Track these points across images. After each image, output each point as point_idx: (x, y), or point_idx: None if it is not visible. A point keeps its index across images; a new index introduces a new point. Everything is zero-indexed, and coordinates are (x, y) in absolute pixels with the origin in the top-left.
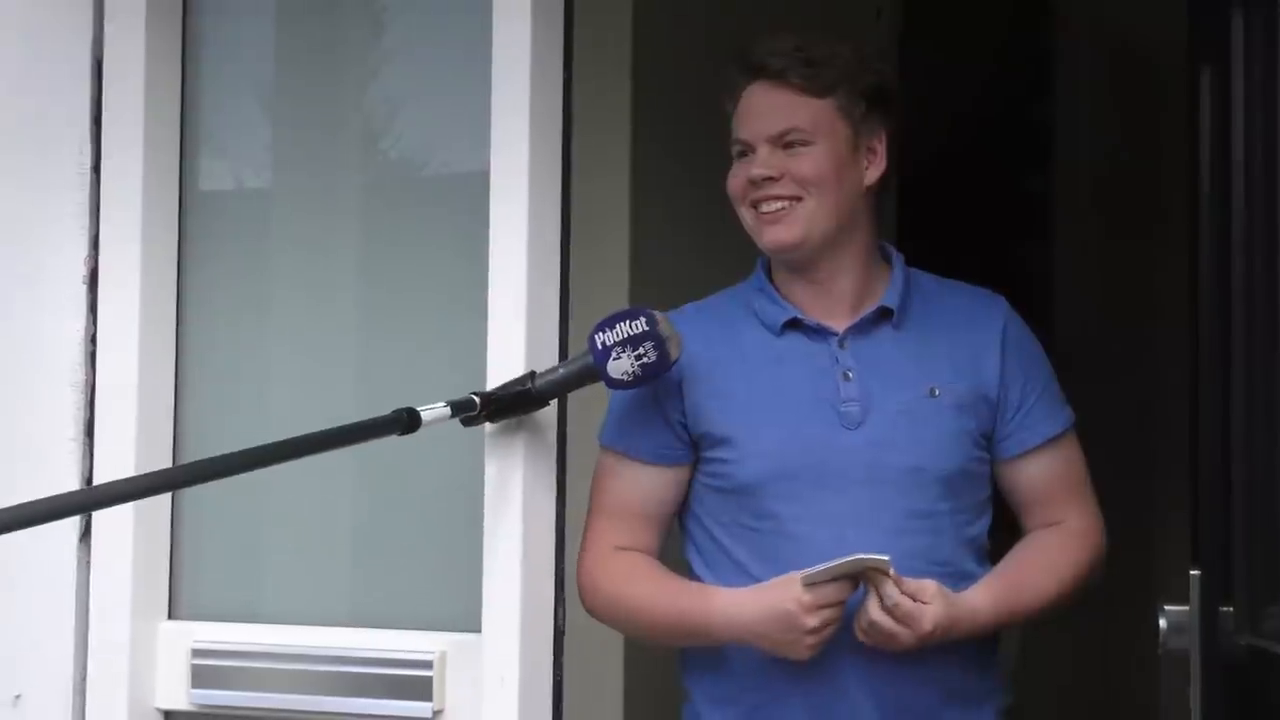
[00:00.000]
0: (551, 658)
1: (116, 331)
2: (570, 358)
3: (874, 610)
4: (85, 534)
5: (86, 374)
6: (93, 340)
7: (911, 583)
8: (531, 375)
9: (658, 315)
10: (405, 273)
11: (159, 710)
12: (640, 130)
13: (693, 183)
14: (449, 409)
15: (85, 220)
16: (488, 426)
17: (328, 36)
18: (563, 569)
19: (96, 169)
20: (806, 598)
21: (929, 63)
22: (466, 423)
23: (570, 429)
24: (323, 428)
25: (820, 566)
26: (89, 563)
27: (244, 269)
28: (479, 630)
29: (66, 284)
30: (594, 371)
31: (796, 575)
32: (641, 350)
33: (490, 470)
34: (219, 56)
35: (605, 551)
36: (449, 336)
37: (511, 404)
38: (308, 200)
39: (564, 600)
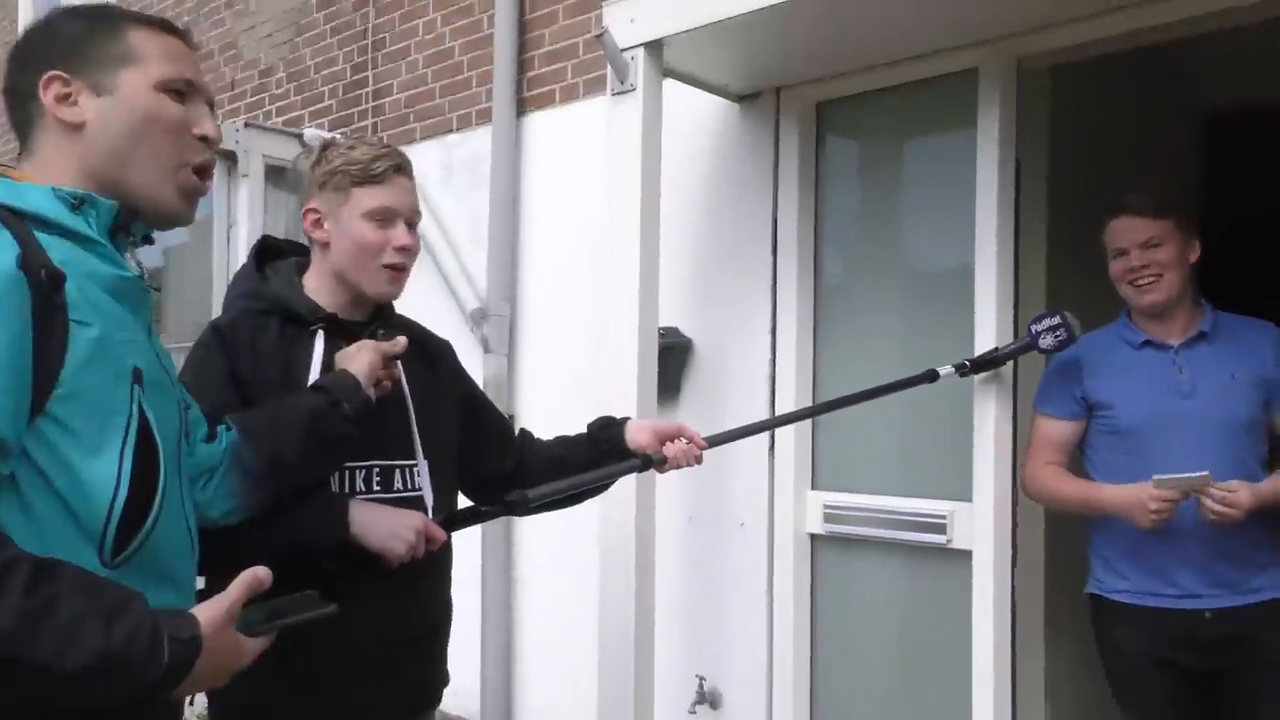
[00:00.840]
0: (1010, 518)
1: (787, 346)
2: (1017, 339)
3: (1213, 505)
4: (771, 446)
5: (769, 370)
6: (772, 359)
7: (1225, 485)
8: (995, 349)
9: (1067, 313)
10: (924, 314)
11: (808, 533)
12: (1053, 216)
13: (1074, 254)
14: (953, 368)
15: (770, 296)
16: (976, 378)
17: (875, 194)
18: (1015, 467)
19: (774, 271)
20: (1154, 492)
21: None
22: (961, 375)
23: (1020, 381)
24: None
25: (1167, 475)
26: (774, 459)
27: (836, 314)
28: (970, 500)
29: (761, 325)
30: (1032, 345)
31: (1153, 478)
32: (1058, 332)
33: (977, 405)
34: (834, 205)
35: (1039, 465)
36: (954, 335)
37: (987, 364)
38: (875, 281)
39: (1016, 486)
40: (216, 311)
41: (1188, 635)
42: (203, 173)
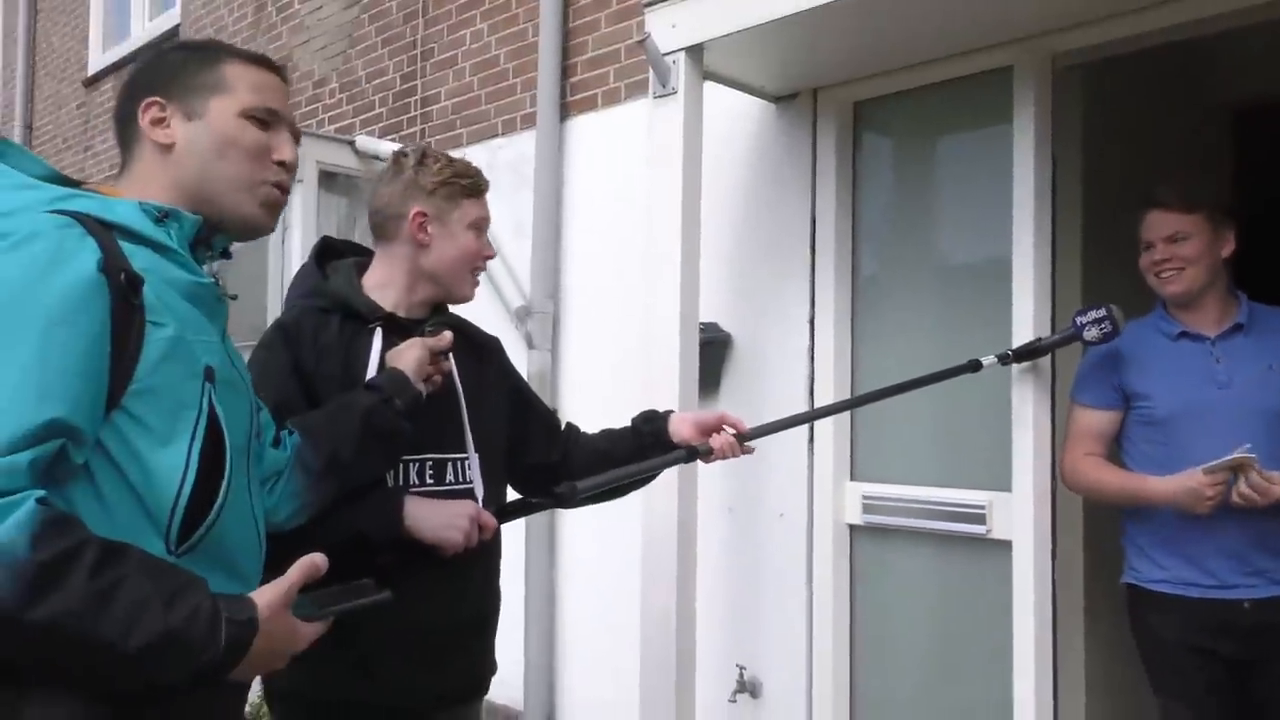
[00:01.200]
0: (1050, 508)
1: (824, 340)
2: (1061, 330)
3: (1243, 486)
4: (811, 438)
5: (808, 364)
6: (810, 352)
7: (1269, 475)
8: (1039, 339)
9: (1114, 308)
10: (961, 308)
11: (847, 524)
12: (1088, 211)
13: (1109, 248)
14: (996, 358)
15: (808, 292)
16: (1015, 367)
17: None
18: (1054, 457)
19: (812, 268)
20: (1205, 479)
21: None
22: (1004, 364)
23: (1058, 371)
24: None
25: (1214, 462)
26: (813, 450)
27: (874, 309)
28: (1010, 490)
29: (799, 320)
30: (1076, 336)
31: (1199, 468)
32: (1104, 325)
33: (1016, 395)
34: (871, 203)
35: (1079, 455)
36: (990, 329)
37: (1030, 354)
38: (912, 276)
39: (1055, 476)
40: (273, 312)
41: (1226, 625)
42: (280, 189)
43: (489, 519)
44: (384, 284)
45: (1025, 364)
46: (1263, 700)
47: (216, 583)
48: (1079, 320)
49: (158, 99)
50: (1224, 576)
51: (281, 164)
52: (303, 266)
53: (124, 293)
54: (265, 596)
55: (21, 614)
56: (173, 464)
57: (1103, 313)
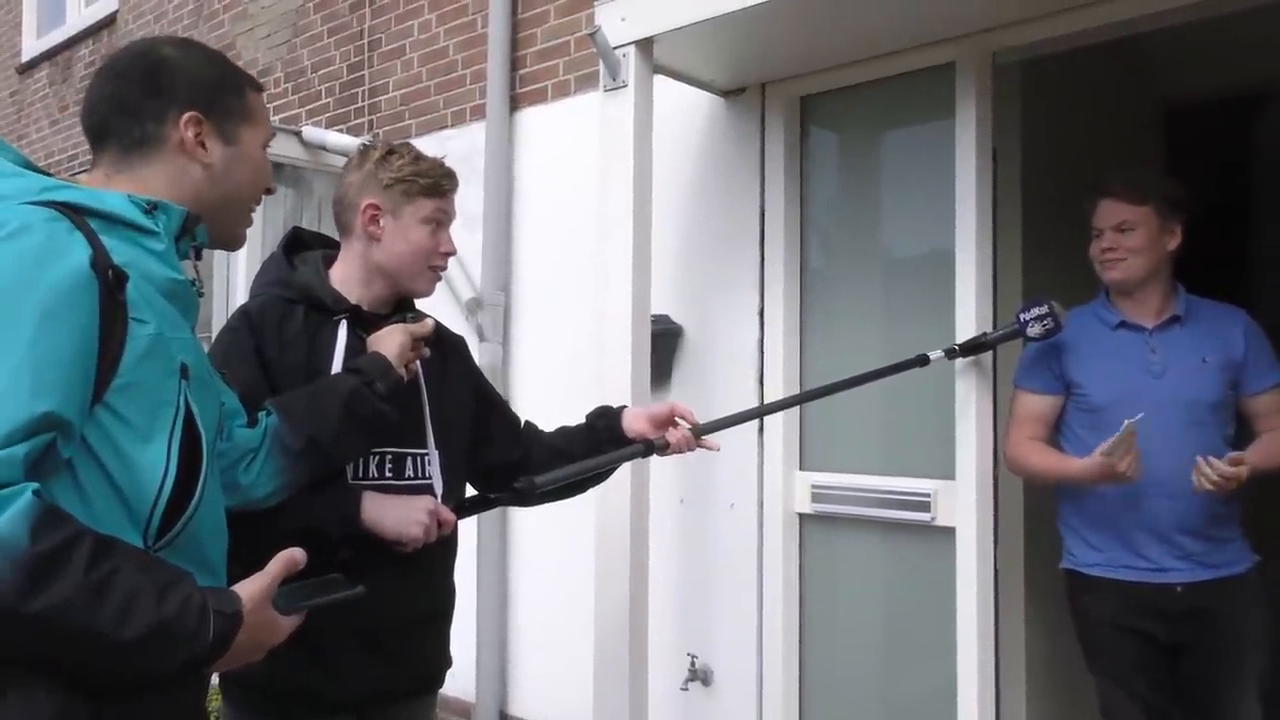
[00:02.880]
0: (992, 495)
1: (774, 331)
2: (1005, 325)
3: (1208, 475)
4: (761, 429)
5: (757, 355)
6: (760, 344)
7: (1231, 458)
8: (983, 335)
9: (1055, 304)
10: (906, 299)
11: (796, 513)
12: (1028, 204)
13: (1048, 240)
14: (943, 353)
15: (758, 284)
16: (959, 361)
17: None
18: (998, 444)
19: (761, 261)
20: (1104, 460)
21: None
22: (951, 358)
23: (1000, 364)
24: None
25: (1106, 443)
26: (763, 441)
27: (821, 300)
28: (954, 478)
29: (749, 312)
30: (1019, 333)
31: (1097, 450)
32: (1046, 321)
33: (959, 386)
34: (818, 196)
35: (1020, 439)
36: (935, 319)
37: (975, 349)
38: (859, 268)
39: (998, 465)
40: (218, 302)
41: (1159, 608)
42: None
43: (448, 515)
44: (346, 277)
45: (969, 359)
46: (1189, 680)
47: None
48: (1022, 317)
49: (198, 114)
50: (1157, 560)
51: (268, 190)
52: (270, 256)
53: (111, 289)
54: (249, 589)
55: (20, 605)
56: (154, 461)
57: (1044, 310)
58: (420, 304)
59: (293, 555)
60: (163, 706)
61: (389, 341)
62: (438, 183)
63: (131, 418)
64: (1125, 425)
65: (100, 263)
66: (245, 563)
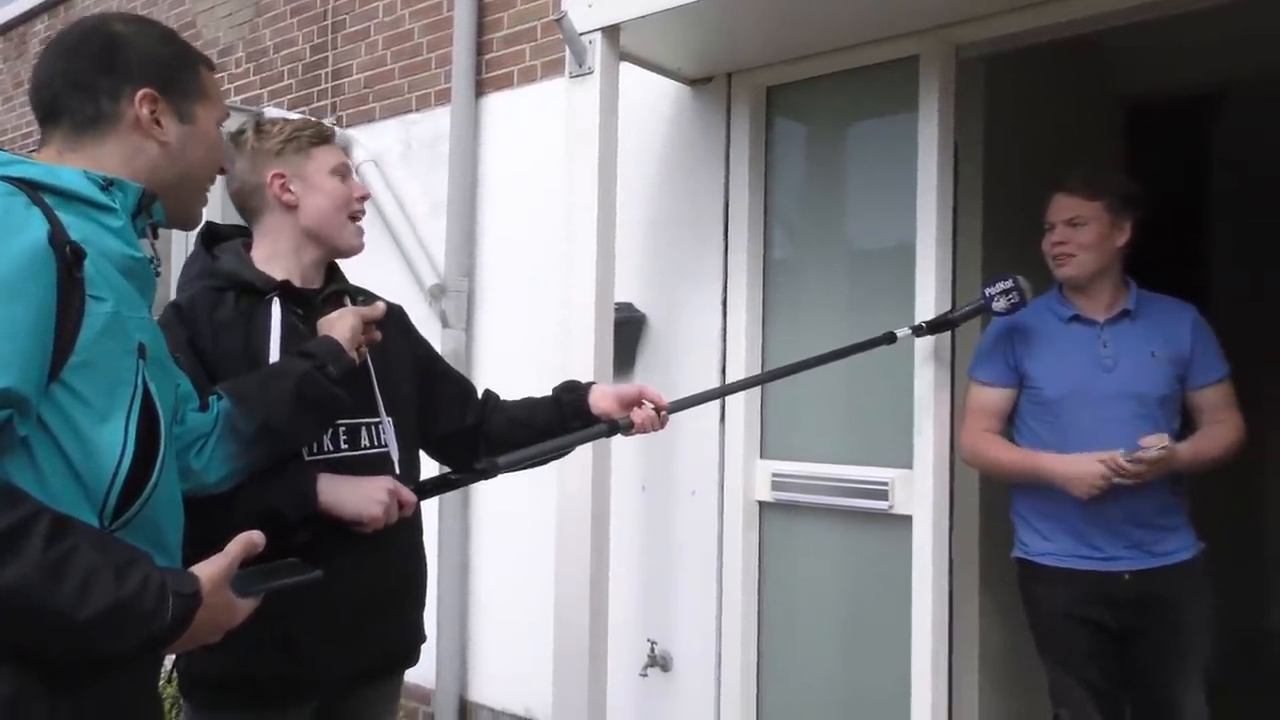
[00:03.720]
0: (948, 484)
1: (737, 319)
2: (969, 302)
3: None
4: (722, 417)
5: (720, 343)
6: (723, 332)
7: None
8: (950, 311)
9: (1020, 278)
10: (867, 288)
11: (757, 501)
12: (988, 196)
13: (1007, 231)
14: (910, 330)
15: (721, 273)
16: (917, 352)
17: (822, 174)
18: (953, 435)
19: (725, 249)
20: (1104, 470)
21: None
22: (918, 335)
23: (958, 354)
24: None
25: (1124, 456)
26: (724, 429)
27: (784, 289)
28: (911, 467)
29: (712, 300)
30: (985, 308)
31: (1103, 455)
32: (1012, 295)
33: (918, 376)
34: (783, 186)
35: (977, 432)
36: (895, 307)
37: (942, 326)
38: (822, 256)
39: (954, 454)
40: (172, 282)
41: (1108, 596)
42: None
43: (408, 495)
44: (270, 257)
45: (928, 346)
46: (1138, 666)
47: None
48: (988, 292)
49: (153, 92)
50: (1106, 549)
51: (222, 170)
52: (191, 252)
53: (68, 266)
54: (208, 570)
55: None
56: (111, 440)
57: (1010, 284)
58: (381, 286)
59: (251, 538)
60: (117, 688)
61: (340, 325)
62: (319, 130)
63: (89, 396)
64: (1155, 449)
65: (58, 238)
66: (201, 546)
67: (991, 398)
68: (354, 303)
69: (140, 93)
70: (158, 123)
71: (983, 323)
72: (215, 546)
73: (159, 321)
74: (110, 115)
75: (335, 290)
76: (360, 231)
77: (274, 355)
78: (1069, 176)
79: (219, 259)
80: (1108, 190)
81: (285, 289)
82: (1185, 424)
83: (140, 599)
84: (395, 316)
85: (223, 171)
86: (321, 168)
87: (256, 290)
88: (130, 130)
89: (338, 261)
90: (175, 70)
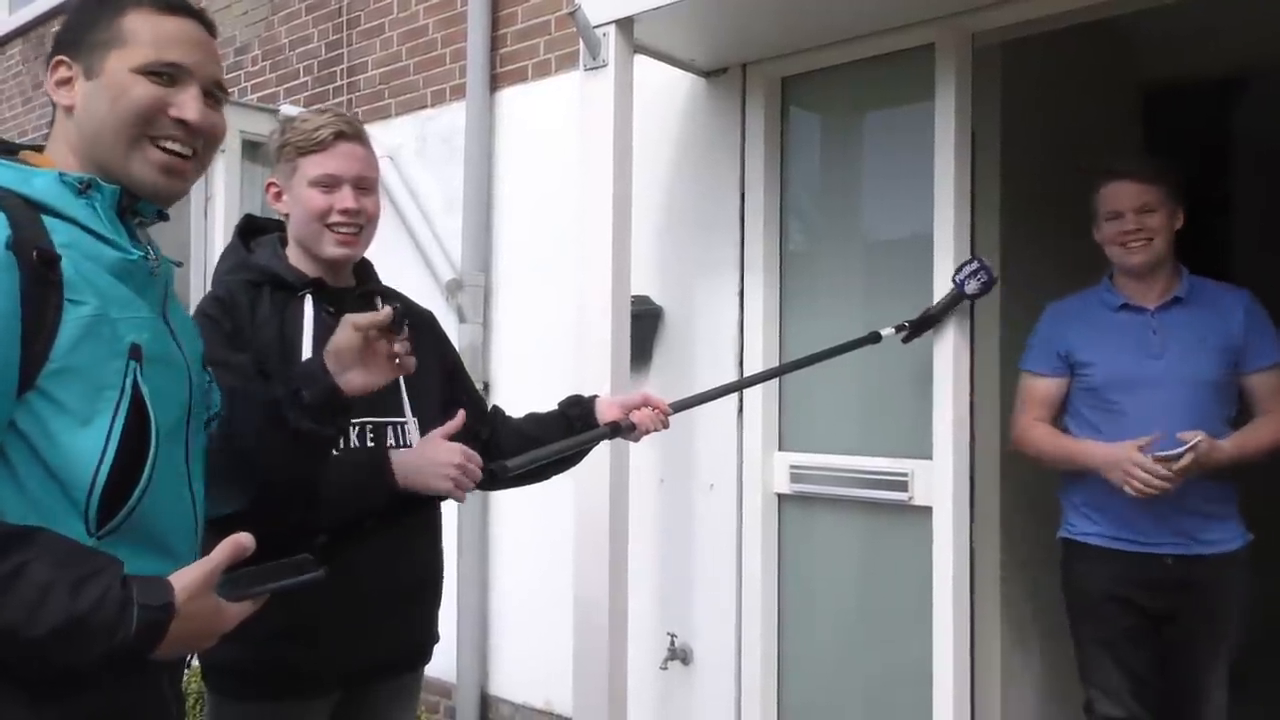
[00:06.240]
0: (969, 475)
1: (754, 312)
2: (943, 296)
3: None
4: (740, 409)
5: (737, 335)
6: (740, 324)
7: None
8: (928, 308)
9: (981, 257)
10: (884, 279)
11: (775, 493)
12: (1005, 185)
13: (1025, 219)
14: (894, 330)
15: (737, 265)
16: (934, 342)
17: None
18: (974, 425)
19: (741, 241)
20: (1139, 459)
21: None
22: (900, 333)
23: (976, 344)
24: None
25: (1160, 452)
26: (742, 422)
27: (801, 280)
28: (930, 458)
29: (728, 292)
30: (960, 295)
31: (1137, 441)
32: (980, 275)
33: (936, 366)
34: (798, 177)
35: (1028, 421)
36: (913, 298)
37: (925, 323)
38: (838, 247)
39: (974, 445)
40: (194, 281)
41: (1148, 579)
42: (178, 150)
43: (474, 456)
44: (298, 255)
45: (947, 336)
46: (1171, 648)
47: (146, 563)
48: (957, 279)
49: (63, 58)
50: (1151, 535)
51: (181, 123)
52: (228, 244)
53: (36, 270)
54: (184, 579)
55: None
56: (90, 446)
57: (975, 265)
58: (397, 285)
59: (239, 541)
60: (114, 694)
61: (335, 339)
62: (310, 137)
63: (67, 402)
64: (1187, 440)
65: (21, 242)
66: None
67: (1042, 387)
68: (385, 303)
69: (51, 62)
70: (69, 89)
71: (1004, 313)
72: (288, 550)
73: (201, 312)
74: (53, 102)
75: (367, 291)
76: (341, 241)
77: (307, 351)
78: (1132, 164)
79: (255, 253)
80: (1168, 176)
81: (318, 285)
82: (1244, 411)
83: (98, 613)
84: (427, 322)
85: (186, 126)
86: (304, 178)
87: (289, 286)
88: (57, 107)
89: (369, 259)
90: (87, 27)
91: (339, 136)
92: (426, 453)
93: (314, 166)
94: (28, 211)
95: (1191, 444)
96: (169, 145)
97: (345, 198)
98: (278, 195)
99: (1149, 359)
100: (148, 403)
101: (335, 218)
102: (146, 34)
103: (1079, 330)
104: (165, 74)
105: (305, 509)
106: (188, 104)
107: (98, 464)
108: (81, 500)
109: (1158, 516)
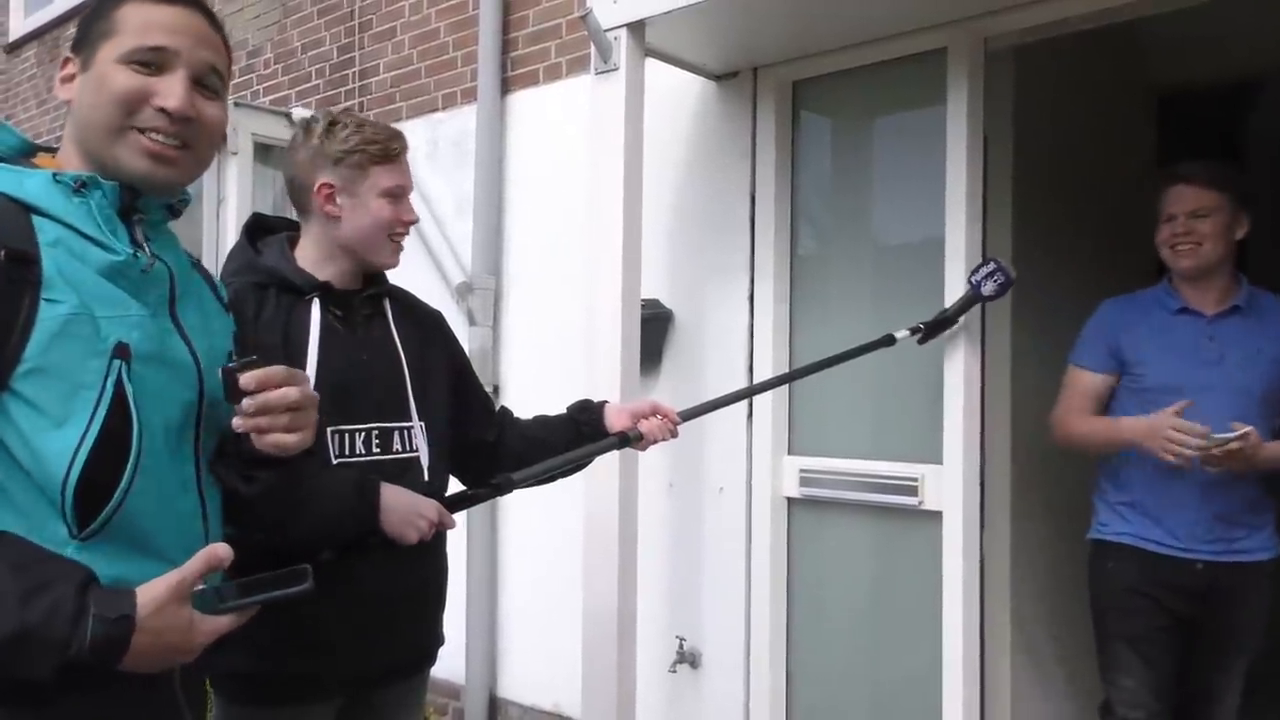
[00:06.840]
0: (979, 480)
1: (764, 316)
2: (959, 297)
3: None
4: (749, 413)
5: (747, 339)
6: (750, 328)
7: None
8: (944, 310)
9: (998, 258)
10: (896, 284)
11: (785, 497)
12: (1018, 189)
13: (1037, 224)
14: (909, 332)
15: (748, 268)
16: (945, 345)
17: (849, 169)
18: (985, 429)
19: (751, 245)
20: (1175, 423)
21: None
22: (915, 334)
23: (988, 348)
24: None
25: (1217, 435)
26: (751, 426)
27: (811, 285)
28: (941, 463)
29: (739, 296)
30: (976, 296)
31: (1174, 407)
32: (996, 276)
33: (947, 371)
34: (809, 181)
35: (1069, 410)
36: (925, 303)
37: (941, 324)
38: (849, 251)
39: (984, 450)
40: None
41: (1177, 582)
42: (152, 136)
43: (450, 519)
44: (310, 257)
45: (958, 340)
46: (1192, 651)
47: (133, 568)
48: (973, 279)
49: (71, 54)
50: (1184, 540)
51: (163, 110)
52: (235, 244)
53: (4, 269)
54: (150, 592)
55: None
56: (62, 448)
57: (991, 266)
58: (408, 288)
59: (215, 552)
60: (98, 702)
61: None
62: (386, 148)
63: (42, 403)
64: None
65: None
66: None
67: (1089, 381)
68: (391, 302)
69: (61, 61)
70: (71, 83)
71: (1015, 317)
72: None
73: None
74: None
75: (374, 293)
76: (398, 250)
77: (312, 355)
78: (1191, 168)
79: (262, 254)
80: (1231, 182)
81: (326, 290)
82: None
83: (48, 625)
84: (436, 322)
85: (168, 114)
86: (375, 187)
87: (297, 289)
88: (67, 107)
89: None
90: (88, 21)
91: (403, 149)
92: (409, 500)
93: (387, 178)
94: (13, 212)
95: (1242, 432)
96: (153, 136)
97: (409, 210)
98: (330, 197)
99: (1203, 366)
100: (130, 403)
101: (399, 230)
102: (135, 22)
103: (1135, 329)
104: (151, 62)
105: (282, 535)
106: (171, 92)
107: (69, 464)
108: (58, 502)
109: (1195, 522)
